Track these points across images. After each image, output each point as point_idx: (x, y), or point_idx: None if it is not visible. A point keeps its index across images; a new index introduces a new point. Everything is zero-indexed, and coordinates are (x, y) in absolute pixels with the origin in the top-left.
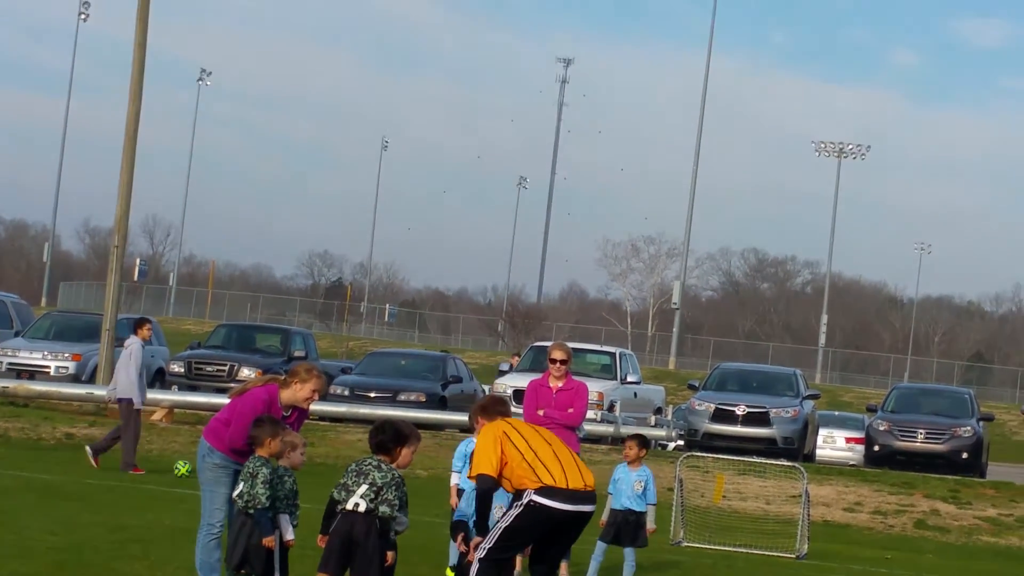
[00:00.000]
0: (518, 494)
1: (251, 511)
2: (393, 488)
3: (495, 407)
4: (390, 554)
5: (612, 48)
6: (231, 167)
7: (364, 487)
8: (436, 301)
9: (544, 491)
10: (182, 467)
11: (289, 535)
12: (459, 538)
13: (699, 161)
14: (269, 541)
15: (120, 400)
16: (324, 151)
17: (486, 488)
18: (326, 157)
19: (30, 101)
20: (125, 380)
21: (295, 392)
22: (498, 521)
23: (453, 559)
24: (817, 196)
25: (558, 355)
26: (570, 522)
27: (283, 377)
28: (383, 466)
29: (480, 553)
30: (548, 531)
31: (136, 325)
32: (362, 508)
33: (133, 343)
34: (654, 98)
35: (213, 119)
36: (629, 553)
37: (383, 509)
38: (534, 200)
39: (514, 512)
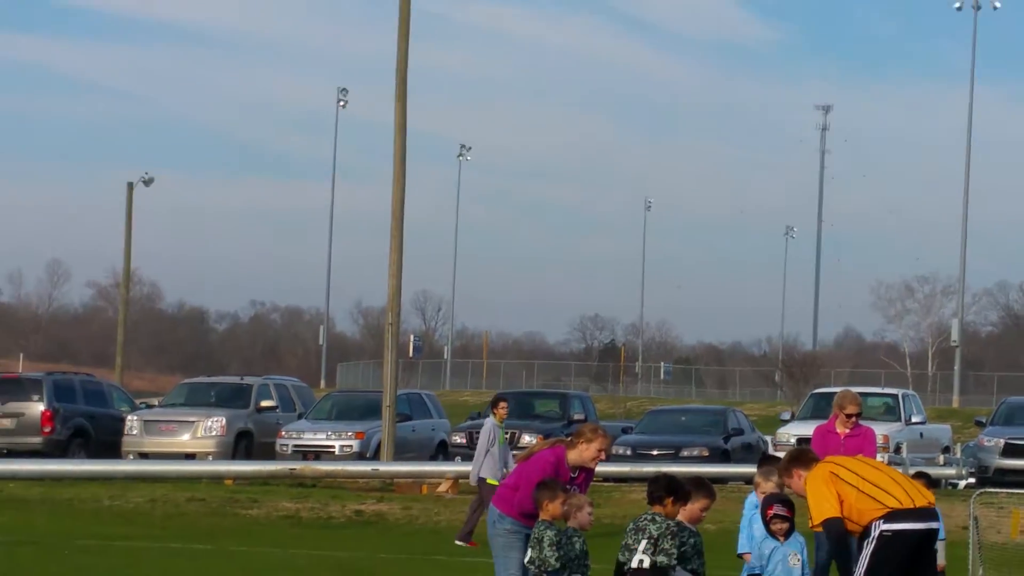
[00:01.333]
0: (864, 532)
1: (544, 574)
2: (669, 538)
3: (807, 455)
4: None
5: (870, 91)
6: (496, 238)
7: (643, 542)
8: (710, 356)
9: (892, 516)
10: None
11: None
12: None
13: (969, 196)
14: None
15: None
16: (587, 216)
17: (839, 531)
18: (590, 221)
19: (296, 190)
20: (477, 460)
21: (581, 452)
22: (854, 571)
23: None
24: None
25: (852, 409)
26: (923, 543)
27: (569, 439)
28: (657, 518)
29: None
30: (904, 561)
31: (492, 404)
32: (646, 564)
33: (486, 422)
34: (918, 137)
35: (475, 192)
36: None
37: (660, 559)
38: (802, 249)
39: (867, 551)
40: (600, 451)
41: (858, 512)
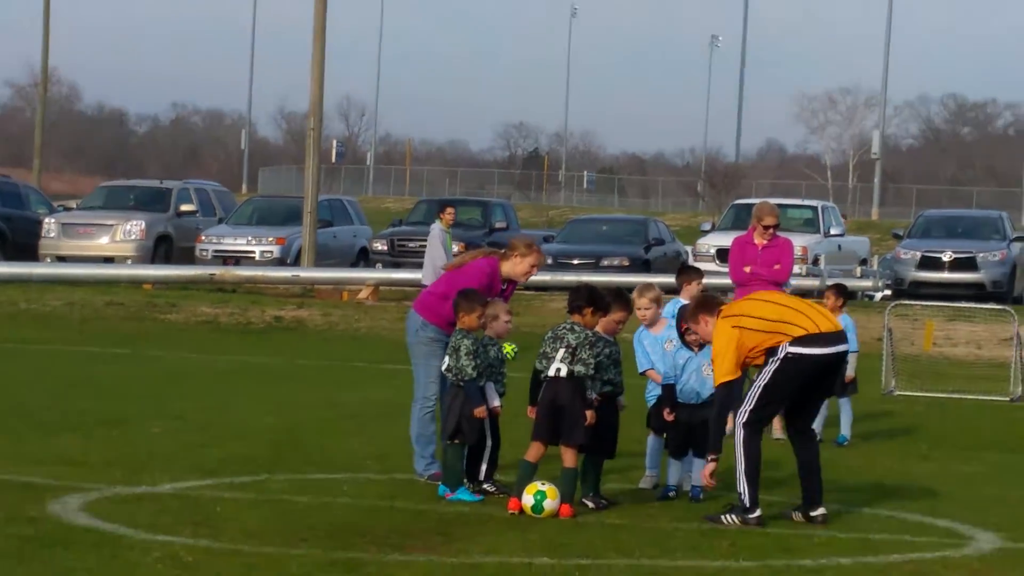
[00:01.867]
0: (771, 351)
1: (461, 383)
2: (587, 347)
3: (712, 301)
4: (589, 413)
5: None
6: (422, 45)
7: (561, 351)
8: (633, 166)
9: (799, 341)
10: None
11: (495, 402)
12: (666, 411)
13: (892, 7)
14: (480, 411)
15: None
16: (513, 23)
17: (729, 399)
18: (516, 29)
19: None
20: (425, 267)
21: (514, 266)
22: (755, 381)
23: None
24: (1015, 35)
25: (769, 221)
26: (830, 367)
27: (503, 251)
28: (576, 327)
29: (741, 418)
30: (808, 381)
31: (439, 210)
32: (563, 372)
33: (433, 228)
34: None
35: None
36: (845, 403)
37: (578, 369)
38: (727, 59)
39: (770, 368)
40: (533, 266)
41: (768, 347)
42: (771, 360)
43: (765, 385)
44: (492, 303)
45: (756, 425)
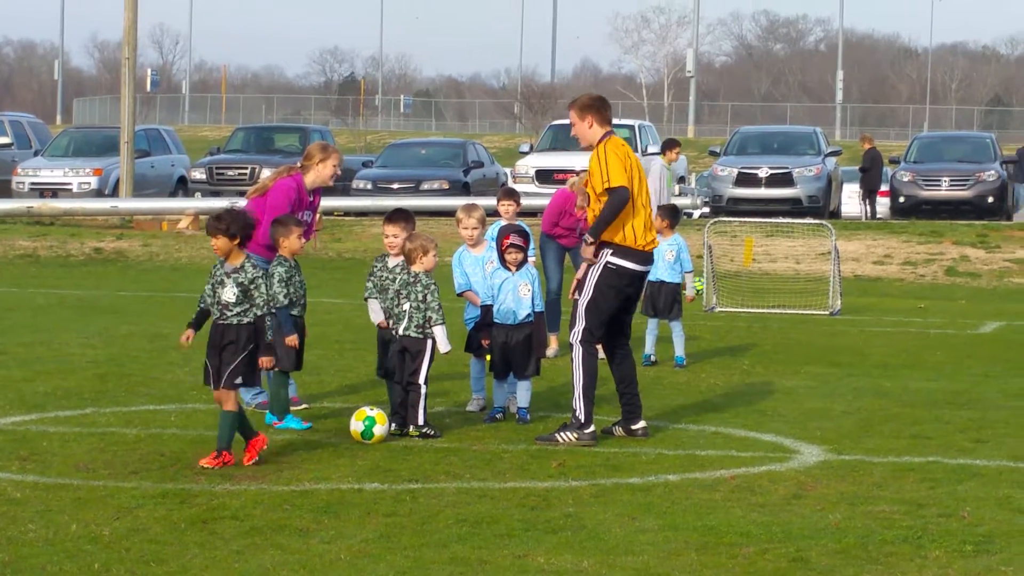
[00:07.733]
0: (594, 252)
1: (273, 311)
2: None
3: (608, 114)
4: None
5: None
6: None
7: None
8: (450, 88)
9: (620, 252)
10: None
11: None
12: (485, 342)
13: None
14: (291, 340)
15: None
16: None
17: (624, 199)
18: None
19: None
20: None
21: (319, 173)
22: (577, 300)
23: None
24: None
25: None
26: (638, 283)
27: (300, 164)
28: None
29: (576, 336)
30: (624, 293)
31: (667, 147)
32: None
33: (655, 163)
34: None
35: None
36: (676, 325)
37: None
38: None
39: (591, 283)
40: (335, 167)
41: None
42: (591, 268)
43: (590, 299)
44: (414, 236)
45: (592, 342)
